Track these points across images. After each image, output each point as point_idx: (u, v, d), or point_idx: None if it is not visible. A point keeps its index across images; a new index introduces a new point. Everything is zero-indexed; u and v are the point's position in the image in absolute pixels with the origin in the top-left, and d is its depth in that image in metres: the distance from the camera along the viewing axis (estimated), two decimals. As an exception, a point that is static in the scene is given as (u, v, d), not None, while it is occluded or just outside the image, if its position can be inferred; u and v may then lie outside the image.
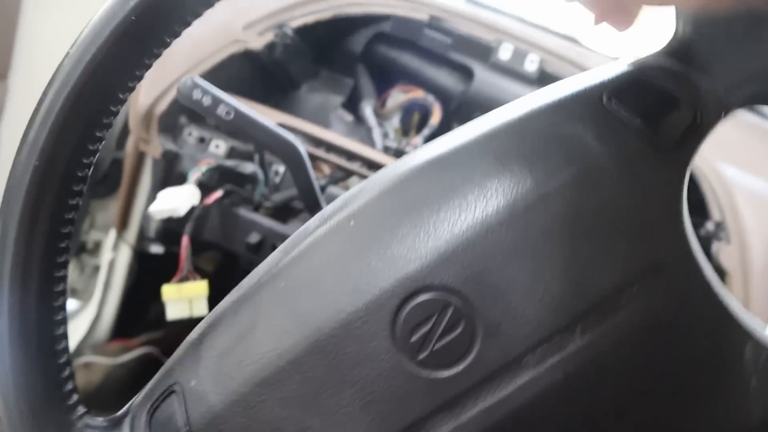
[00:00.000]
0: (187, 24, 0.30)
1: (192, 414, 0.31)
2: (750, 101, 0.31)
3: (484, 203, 0.30)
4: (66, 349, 0.33)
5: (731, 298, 0.30)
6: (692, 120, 0.30)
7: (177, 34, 0.31)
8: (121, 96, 0.31)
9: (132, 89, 0.32)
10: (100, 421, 0.33)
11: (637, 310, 0.29)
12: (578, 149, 0.30)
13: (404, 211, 0.30)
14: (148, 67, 0.31)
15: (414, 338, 0.28)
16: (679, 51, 0.31)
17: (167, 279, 1.00)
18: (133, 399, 0.35)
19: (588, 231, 0.29)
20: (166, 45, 0.31)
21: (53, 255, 0.32)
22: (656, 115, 0.30)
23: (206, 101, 0.38)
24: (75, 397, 0.33)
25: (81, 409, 0.33)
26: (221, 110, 0.38)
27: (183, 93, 0.37)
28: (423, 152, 0.33)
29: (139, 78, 0.32)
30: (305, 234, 0.32)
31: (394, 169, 0.33)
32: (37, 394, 0.32)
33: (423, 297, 0.29)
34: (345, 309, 0.29)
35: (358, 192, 0.33)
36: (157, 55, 0.31)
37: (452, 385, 0.28)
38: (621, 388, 0.29)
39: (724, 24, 0.29)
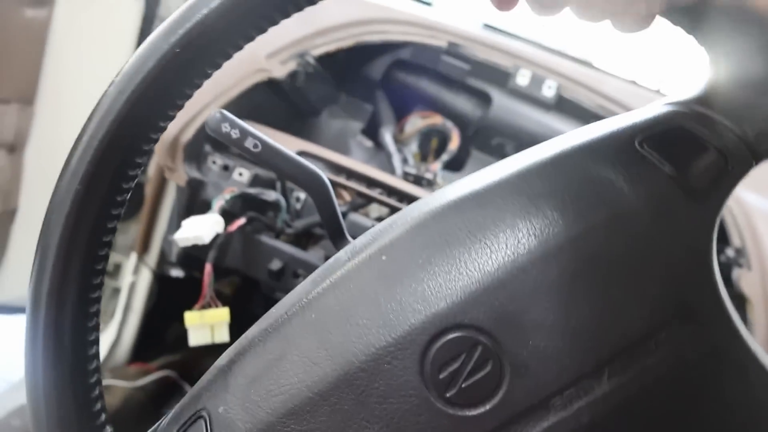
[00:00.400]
0: (228, 57, 0.32)
1: None
2: None
3: (515, 243, 0.30)
4: (97, 368, 0.34)
5: (758, 347, 0.30)
6: (723, 167, 0.30)
7: (218, 66, 0.32)
8: (161, 124, 0.32)
9: (172, 118, 0.33)
10: None
11: (665, 357, 0.29)
12: (610, 192, 0.30)
13: (436, 247, 0.31)
14: (189, 97, 0.32)
15: (442, 375, 0.28)
16: (710, 97, 0.32)
17: (187, 302, 1.01)
18: (160, 422, 0.35)
19: (617, 275, 0.29)
20: (207, 76, 0.32)
21: (90, 277, 0.33)
22: (687, 160, 0.31)
23: (234, 134, 0.38)
24: (103, 417, 0.34)
25: (109, 429, 0.34)
26: (249, 143, 0.39)
27: (212, 126, 0.38)
28: (455, 189, 0.33)
29: (180, 107, 0.33)
30: (336, 266, 0.33)
31: (426, 204, 0.33)
32: (68, 411, 0.33)
33: (452, 335, 0.29)
34: (375, 343, 0.29)
35: (389, 226, 0.33)
36: (198, 86, 0.32)
37: (479, 425, 0.28)
38: None
39: (756, 72, 0.29)
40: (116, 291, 1.28)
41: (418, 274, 0.30)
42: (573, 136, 0.33)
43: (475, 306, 0.29)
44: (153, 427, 0.36)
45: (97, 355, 0.35)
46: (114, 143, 0.31)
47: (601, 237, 0.29)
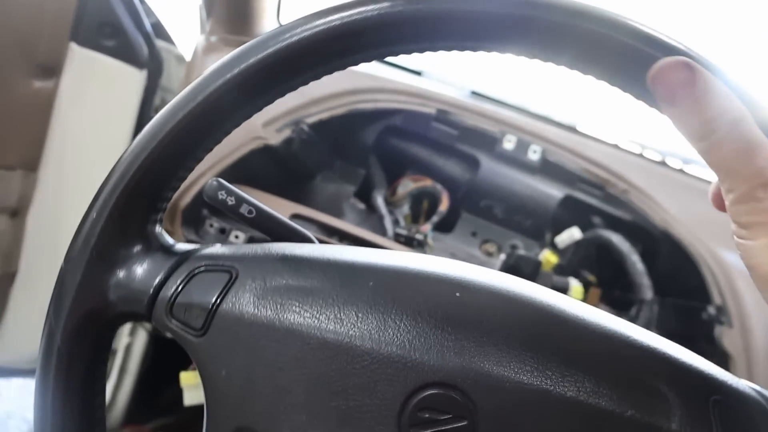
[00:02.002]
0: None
1: (228, 299, 0.32)
2: None
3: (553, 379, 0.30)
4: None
5: None
6: None
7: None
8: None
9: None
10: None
11: None
12: (659, 412, 0.30)
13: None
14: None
15: (418, 414, 0.30)
16: None
17: (182, 363, 1.02)
18: (196, 247, 0.37)
19: None
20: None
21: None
22: None
23: (230, 201, 0.41)
24: None
25: None
26: (244, 209, 0.41)
27: (209, 194, 0.41)
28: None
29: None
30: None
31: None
32: None
33: (451, 393, 0.30)
34: (385, 349, 0.30)
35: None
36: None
37: None
38: None
39: None
40: (113, 353, 1.29)
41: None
42: (670, 346, 0.33)
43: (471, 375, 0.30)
44: (186, 247, 0.37)
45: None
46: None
47: (617, 427, 0.29)
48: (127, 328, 1.20)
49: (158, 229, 0.37)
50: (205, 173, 0.86)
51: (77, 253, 0.34)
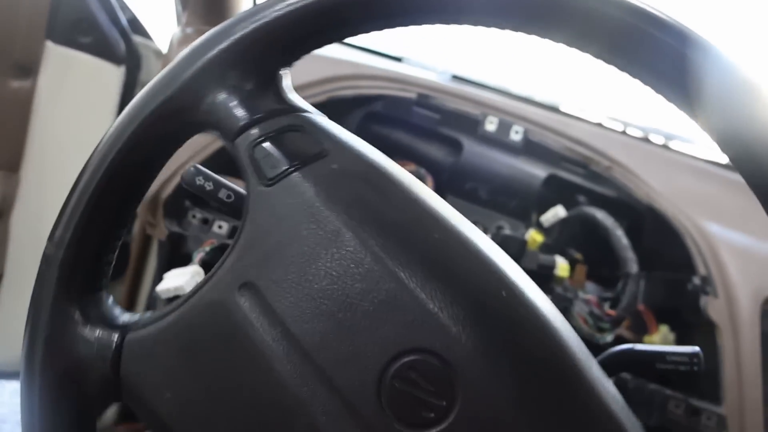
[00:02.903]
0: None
1: (307, 170, 0.33)
2: None
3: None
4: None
5: None
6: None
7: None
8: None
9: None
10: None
11: None
12: None
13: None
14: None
15: (406, 370, 0.30)
16: None
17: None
18: (308, 109, 0.38)
19: None
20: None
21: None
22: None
23: (208, 186, 0.41)
24: None
25: None
26: (222, 194, 0.41)
27: (187, 180, 0.41)
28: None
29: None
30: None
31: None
32: None
33: (447, 372, 0.30)
34: (409, 300, 0.31)
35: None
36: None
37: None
38: None
39: None
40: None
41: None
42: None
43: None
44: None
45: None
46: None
47: None
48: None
49: (282, 72, 0.37)
50: (185, 163, 0.85)
51: (195, 54, 0.35)
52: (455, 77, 1.18)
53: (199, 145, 0.87)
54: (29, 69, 1.12)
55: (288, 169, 0.33)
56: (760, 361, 0.79)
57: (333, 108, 1.03)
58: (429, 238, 0.32)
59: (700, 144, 1.16)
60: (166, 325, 0.33)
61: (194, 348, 0.33)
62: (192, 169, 0.40)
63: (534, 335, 0.32)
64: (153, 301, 1.08)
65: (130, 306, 1.14)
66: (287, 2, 0.35)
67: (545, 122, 1.06)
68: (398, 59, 1.21)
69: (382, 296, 0.31)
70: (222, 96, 0.35)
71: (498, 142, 1.05)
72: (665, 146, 1.14)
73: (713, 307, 0.82)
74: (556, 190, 1.05)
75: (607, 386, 0.32)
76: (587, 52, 0.34)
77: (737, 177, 1.05)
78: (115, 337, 0.34)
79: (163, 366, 0.33)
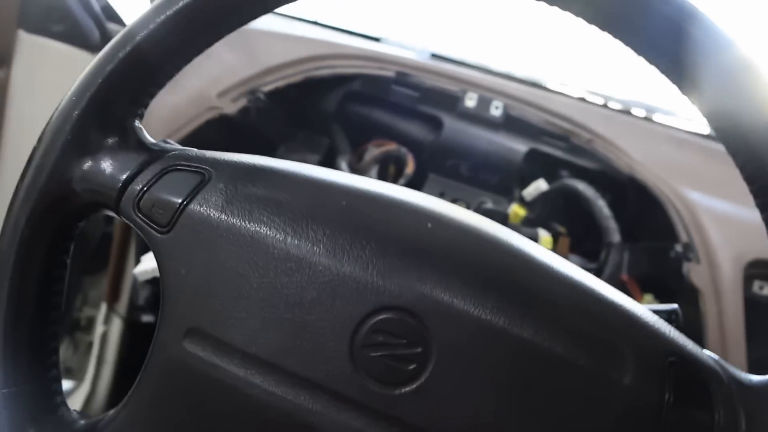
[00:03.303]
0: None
1: (197, 200, 0.32)
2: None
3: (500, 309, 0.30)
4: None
5: None
6: (710, 423, 0.31)
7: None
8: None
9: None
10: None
11: None
12: (614, 368, 0.30)
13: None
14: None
15: (372, 336, 0.30)
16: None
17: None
18: (172, 146, 0.36)
19: (547, 412, 0.29)
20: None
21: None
22: (688, 409, 0.31)
23: None
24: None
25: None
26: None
27: None
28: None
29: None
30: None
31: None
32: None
33: (407, 319, 0.30)
34: (347, 269, 0.30)
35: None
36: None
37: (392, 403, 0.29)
38: None
39: None
40: (90, 345, 1.27)
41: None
42: (634, 305, 0.33)
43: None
44: (161, 146, 0.36)
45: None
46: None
47: (568, 374, 0.29)
48: (102, 315, 1.19)
49: (137, 124, 0.36)
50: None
51: (52, 134, 0.34)
52: (434, 55, 1.17)
53: (177, 123, 0.86)
54: (2, 59, 1.11)
55: (178, 208, 0.32)
56: (743, 326, 0.79)
57: (311, 88, 1.02)
58: (337, 206, 0.32)
59: (681, 116, 1.16)
60: (132, 411, 0.33)
61: (168, 418, 0.32)
62: (161, 143, 0.39)
63: (475, 250, 0.31)
64: (136, 289, 1.07)
65: (114, 297, 1.13)
66: (114, 53, 0.34)
67: (525, 97, 1.05)
68: (376, 39, 1.21)
69: (317, 279, 0.30)
70: (88, 164, 0.34)
71: (478, 118, 1.04)
72: (647, 118, 1.14)
73: (696, 273, 0.82)
74: (537, 165, 1.05)
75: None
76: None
77: (718, 146, 1.05)
78: None
79: None
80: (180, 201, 0.32)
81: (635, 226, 0.97)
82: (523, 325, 0.29)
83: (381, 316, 0.30)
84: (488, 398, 0.29)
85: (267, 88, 0.96)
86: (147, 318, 1.14)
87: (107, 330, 1.22)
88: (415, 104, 1.06)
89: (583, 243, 1.00)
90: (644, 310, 0.33)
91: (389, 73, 1.04)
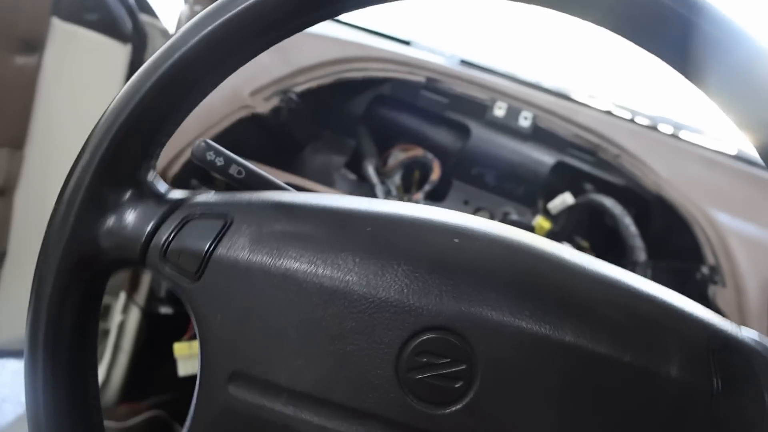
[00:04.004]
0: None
1: (223, 244, 0.32)
2: None
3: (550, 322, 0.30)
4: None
5: None
6: (755, 421, 0.30)
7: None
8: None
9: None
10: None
11: None
12: (656, 356, 0.30)
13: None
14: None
15: (416, 359, 0.30)
16: None
17: (177, 339, 1.02)
18: (190, 194, 0.36)
19: (599, 413, 0.29)
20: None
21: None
22: (737, 393, 0.30)
23: (219, 162, 0.40)
24: None
25: None
26: (233, 170, 0.40)
27: (197, 155, 0.40)
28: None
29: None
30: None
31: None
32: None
33: (449, 337, 0.30)
34: (382, 294, 0.30)
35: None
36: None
37: (400, 412, 0.30)
38: None
39: None
40: (106, 333, 1.28)
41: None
42: (668, 293, 0.33)
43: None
44: (176, 194, 0.36)
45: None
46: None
47: (615, 372, 0.29)
48: (120, 305, 1.20)
49: (151, 175, 0.36)
50: (193, 141, 0.85)
51: (69, 196, 0.34)
52: (463, 62, 1.17)
53: (210, 120, 0.86)
54: (35, 45, 1.11)
55: (205, 254, 0.32)
56: None
57: (341, 90, 1.02)
58: (362, 233, 0.32)
59: (708, 134, 1.15)
60: None
61: None
62: (203, 144, 0.39)
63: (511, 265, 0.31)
64: (157, 282, 1.07)
65: (133, 287, 1.14)
66: (120, 109, 0.34)
67: (554, 108, 1.05)
68: (406, 42, 1.20)
69: (354, 308, 0.30)
70: (110, 222, 0.34)
71: (506, 127, 1.04)
72: (674, 135, 1.14)
73: (721, 297, 0.82)
74: (563, 178, 1.04)
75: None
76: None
77: (746, 167, 1.05)
78: None
79: None
80: (206, 247, 0.32)
81: (660, 244, 0.96)
82: (564, 329, 0.29)
83: (422, 338, 0.30)
84: (538, 406, 0.29)
85: (299, 89, 0.96)
86: (165, 310, 1.15)
87: (125, 319, 1.23)
88: (444, 111, 1.06)
89: (605, 257, 0.99)
90: (680, 297, 0.32)
91: (419, 78, 1.04)
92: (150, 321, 1.20)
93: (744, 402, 0.30)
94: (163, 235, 0.33)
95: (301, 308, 0.31)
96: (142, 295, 1.15)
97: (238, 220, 0.33)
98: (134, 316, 1.24)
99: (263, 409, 0.31)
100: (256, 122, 0.92)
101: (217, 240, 0.33)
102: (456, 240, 0.32)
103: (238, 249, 0.32)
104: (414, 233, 0.32)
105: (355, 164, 1.08)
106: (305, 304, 0.31)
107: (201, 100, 0.36)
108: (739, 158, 1.08)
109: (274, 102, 0.93)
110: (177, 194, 0.36)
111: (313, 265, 0.31)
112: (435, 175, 1.05)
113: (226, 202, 0.35)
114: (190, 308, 0.33)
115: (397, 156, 1.09)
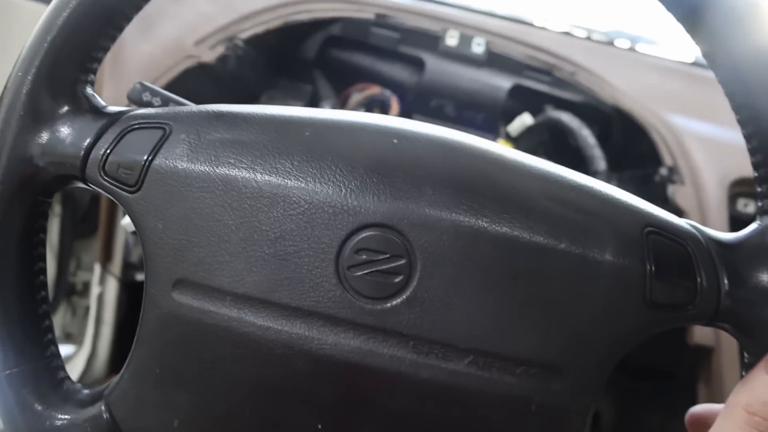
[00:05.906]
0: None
1: (161, 154, 0.32)
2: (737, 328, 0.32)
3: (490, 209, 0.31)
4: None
5: None
6: (688, 302, 0.31)
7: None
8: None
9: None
10: None
11: (516, 387, 0.30)
12: (592, 243, 0.31)
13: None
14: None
15: (356, 256, 0.30)
16: (731, 257, 0.32)
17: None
18: (128, 108, 0.36)
19: (539, 298, 0.30)
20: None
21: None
22: (670, 276, 0.31)
23: (156, 102, 0.40)
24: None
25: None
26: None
27: (133, 97, 0.39)
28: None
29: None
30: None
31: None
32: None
33: (387, 233, 0.30)
34: (321, 195, 0.31)
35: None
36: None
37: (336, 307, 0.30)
38: None
39: None
40: (88, 309, 1.28)
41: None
42: (606, 186, 0.33)
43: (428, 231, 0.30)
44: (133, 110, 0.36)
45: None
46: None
47: (551, 260, 0.30)
48: (96, 277, 1.19)
49: (89, 90, 0.36)
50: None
51: (4, 113, 0.33)
52: (414, -4, 1.15)
53: (154, 73, 0.85)
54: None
55: (144, 165, 0.32)
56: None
57: (290, 34, 1.01)
58: (301, 137, 0.32)
59: (665, 45, 1.15)
60: (135, 371, 0.33)
61: (171, 370, 0.32)
62: (137, 85, 0.39)
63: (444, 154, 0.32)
64: (129, 247, 1.07)
65: (107, 258, 1.13)
66: (54, 17, 0.33)
67: (507, 33, 1.04)
68: (354, -19, 1.18)
69: (292, 210, 0.31)
70: (46, 136, 0.34)
71: (460, 56, 1.03)
72: (630, 49, 1.13)
73: (681, 195, 0.83)
74: (522, 100, 1.04)
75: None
76: None
77: (702, 71, 1.05)
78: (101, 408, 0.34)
79: (155, 405, 0.33)
80: (145, 158, 0.32)
81: (622, 155, 0.97)
82: (500, 222, 0.30)
83: (361, 235, 0.30)
84: (478, 295, 0.30)
85: (245, 35, 0.94)
86: (141, 276, 1.15)
87: (103, 291, 1.23)
88: (396, 46, 1.05)
89: None
90: (618, 190, 0.33)
91: (368, 15, 1.02)
92: (128, 290, 1.20)
93: (677, 282, 0.31)
94: (102, 148, 0.33)
95: (241, 213, 0.31)
96: (116, 264, 1.14)
97: (177, 130, 0.33)
98: (112, 286, 1.23)
99: (208, 313, 0.31)
100: (204, 72, 0.90)
101: (156, 150, 0.32)
102: (395, 141, 0.32)
103: (177, 158, 0.32)
104: (353, 136, 0.32)
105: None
106: (244, 208, 0.31)
107: (135, 13, 0.36)
108: (696, 65, 1.08)
109: (220, 50, 0.92)
110: (115, 108, 0.36)
111: (251, 171, 0.31)
112: (394, 111, 1.05)
113: (166, 114, 0.34)
114: (132, 219, 0.33)
115: (355, 96, 1.08)
